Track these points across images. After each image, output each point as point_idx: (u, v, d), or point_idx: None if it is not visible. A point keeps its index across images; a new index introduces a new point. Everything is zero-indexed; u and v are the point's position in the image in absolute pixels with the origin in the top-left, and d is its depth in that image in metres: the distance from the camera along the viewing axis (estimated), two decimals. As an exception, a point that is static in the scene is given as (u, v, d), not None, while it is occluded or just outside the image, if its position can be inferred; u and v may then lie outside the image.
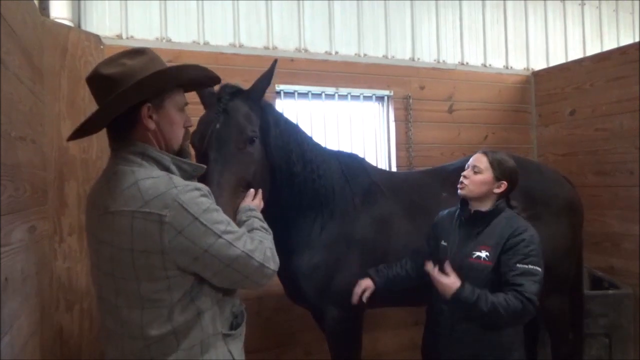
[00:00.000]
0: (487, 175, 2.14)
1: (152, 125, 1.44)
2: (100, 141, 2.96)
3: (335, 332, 2.57)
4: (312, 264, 2.49)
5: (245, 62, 3.47)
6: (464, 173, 2.21)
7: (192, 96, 1.93)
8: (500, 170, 2.14)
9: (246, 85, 3.23)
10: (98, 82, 1.39)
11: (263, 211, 1.95)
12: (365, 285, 2.37)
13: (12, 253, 1.71)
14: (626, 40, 4.96)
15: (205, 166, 1.65)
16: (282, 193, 2.36)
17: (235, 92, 2.22)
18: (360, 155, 2.96)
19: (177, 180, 1.40)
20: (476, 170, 2.17)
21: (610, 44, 4.88)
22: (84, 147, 2.82)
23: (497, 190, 2.15)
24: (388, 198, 2.70)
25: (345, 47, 3.95)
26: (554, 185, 2.99)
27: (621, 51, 3.81)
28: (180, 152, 1.56)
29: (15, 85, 1.84)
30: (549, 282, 2.84)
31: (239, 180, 2.00)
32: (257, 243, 1.52)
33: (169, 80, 1.46)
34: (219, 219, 1.43)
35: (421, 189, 2.81)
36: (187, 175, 1.51)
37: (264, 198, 2.05)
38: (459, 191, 2.21)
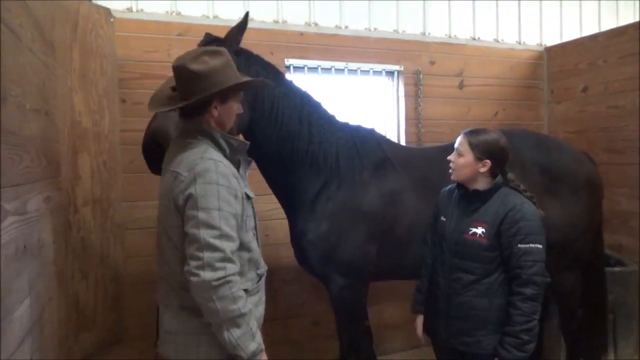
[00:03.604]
0: (468, 157, 2.13)
1: (215, 114, 1.80)
2: (111, 115, 3.00)
3: (339, 300, 2.64)
4: (318, 233, 2.57)
5: (255, 36, 3.46)
6: (449, 157, 2.22)
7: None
8: (479, 150, 2.12)
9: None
10: (185, 74, 1.72)
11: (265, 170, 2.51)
12: (419, 323, 2.42)
13: (29, 222, 1.77)
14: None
15: (247, 142, 1.90)
16: (270, 141, 2.51)
17: (211, 40, 2.42)
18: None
19: (209, 154, 1.70)
20: (459, 153, 2.17)
21: (626, 19, 4.77)
22: (96, 120, 2.87)
23: (482, 170, 2.13)
24: (400, 173, 2.73)
25: (356, 22, 3.91)
26: (573, 162, 2.95)
27: (636, 26, 3.73)
28: (230, 131, 1.90)
29: (28, 58, 1.87)
30: (562, 259, 2.87)
31: None
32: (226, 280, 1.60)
33: (238, 90, 1.84)
34: (214, 205, 1.63)
35: (435, 165, 2.83)
36: (234, 149, 1.83)
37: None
38: (451, 177, 2.23)
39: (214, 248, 1.59)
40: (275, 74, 2.57)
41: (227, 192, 1.65)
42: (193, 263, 1.59)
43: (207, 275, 1.57)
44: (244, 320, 1.65)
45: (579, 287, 3.07)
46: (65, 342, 2.43)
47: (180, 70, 1.73)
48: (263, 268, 1.95)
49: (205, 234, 1.59)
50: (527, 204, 2.10)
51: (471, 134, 2.17)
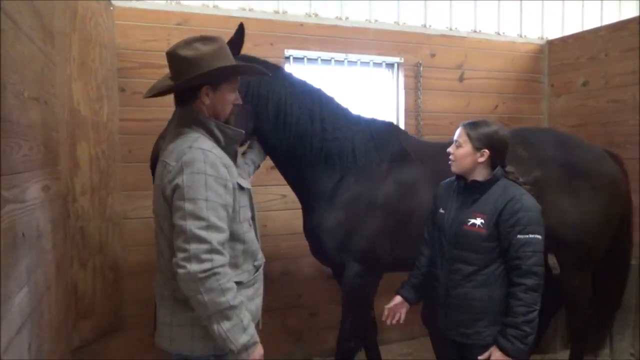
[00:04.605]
0: (467, 147, 2.15)
1: (207, 101, 1.78)
2: (110, 104, 2.99)
3: (351, 286, 2.66)
4: (335, 221, 2.60)
5: (255, 27, 3.45)
6: (449, 149, 2.23)
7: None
8: (477, 140, 2.13)
9: (256, 50, 3.24)
10: (175, 60, 1.74)
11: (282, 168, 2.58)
12: (396, 304, 2.38)
13: (28, 210, 1.77)
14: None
15: (243, 132, 1.88)
16: (281, 143, 2.53)
17: None
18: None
19: (199, 143, 1.68)
20: (457, 145, 2.19)
21: (628, 13, 4.75)
22: (95, 110, 2.86)
23: (480, 160, 2.14)
24: (416, 166, 2.76)
25: (356, 13, 3.89)
26: (594, 161, 2.94)
27: (638, 21, 3.71)
28: (226, 121, 1.86)
29: (27, 45, 1.87)
30: (574, 256, 2.90)
31: None
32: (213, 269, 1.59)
33: (227, 74, 1.79)
34: (201, 196, 1.61)
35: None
36: (229, 139, 1.81)
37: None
38: (451, 169, 2.24)
39: (201, 239, 1.57)
40: (282, 78, 2.56)
41: (215, 182, 1.63)
42: (180, 255, 1.58)
43: (193, 267, 1.56)
44: (234, 312, 1.63)
45: (589, 286, 3.06)
46: (64, 329, 2.45)
47: (172, 56, 1.75)
48: (261, 260, 1.94)
49: (191, 225, 1.57)
50: (526, 195, 2.12)
51: (470, 125, 2.18)
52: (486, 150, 2.13)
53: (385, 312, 2.38)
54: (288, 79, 2.58)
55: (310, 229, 2.73)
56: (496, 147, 2.15)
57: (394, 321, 2.37)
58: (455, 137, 2.22)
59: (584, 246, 2.88)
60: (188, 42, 1.74)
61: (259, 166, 2.57)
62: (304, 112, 2.54)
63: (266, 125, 2.49)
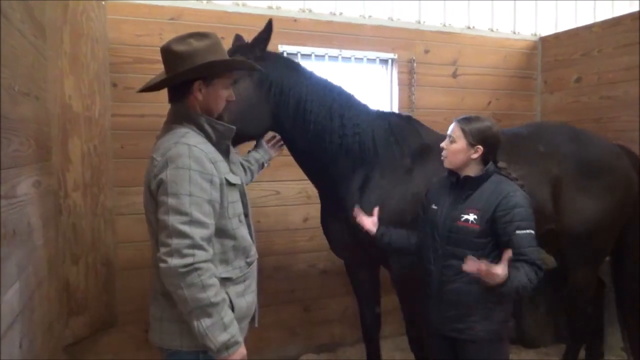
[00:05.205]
0: (461, 143, 2.16)
1: (200, 97, 1.78)
2: (102, 100, 2.97)
3: (402, 278, 2.70)
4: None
5: (248, 22, 3.43)
6: (442, 144, 2.25)
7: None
8: (472, 136, 2.15)
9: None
10: (168, 55, 1.75)
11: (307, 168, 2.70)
12: (368, 218, 2.42)
13: (18, 206, 1.76)
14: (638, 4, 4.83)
15: (234, 127, 1.86)
16: (300, 140, 2.59)
17: (237, 47, 2.50)
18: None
19: (187, 139, 1.67)
20: (451, 140, 2.20)
21: (621, 9, 4.76)
22: (87, 105, 2.84)
23: (474, 156, 2.16)
24: (438, 159, 2.76)
25: (350, 8, 3.88)
26: (610, 157, 2.97)
27: (632, 17, 3.73)
28: (219, 118, 1.87)
29: (18, 39, 1.85)
30: (583, 252, 2.94)
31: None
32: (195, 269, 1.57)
33: (218, 69, 1.79)
34: (183, 190, 1.60)
35: None
36: (220, 134, 1.80)
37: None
38: (444, 164, 2.25)
39: (183, 234, 1.57)
40: (302, 76, 2.60)
41: (200, 177, 1.62)
42: (162, 249, 1.59)
43: (174, 261, 1.56)
44: (215, 309, 1.61)
45: (594, 283, 3.11)
46: (56, 325, 2.44)
47: (166, 52, 1.76)
48: (253, 256, 1.92)
49: (174, 220, 1.57)
50: (519, 191, 2.13)
51: (464, 120, 2.20)
52: (480, 147, 2.14)
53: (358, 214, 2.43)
54: (309, 76, 2.63)
55: (336, 224, 2.74)
56: (489, 144, 2.16)
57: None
58: (449, 132, 2.23)
59: (589, 243, 2.92)
60: (182, 38, 1.76)
61: (264, 165, 2.58)
62: (322, 110, 2.57)
63: (287, 122, 2.54)
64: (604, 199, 2.88)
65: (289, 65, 2.63)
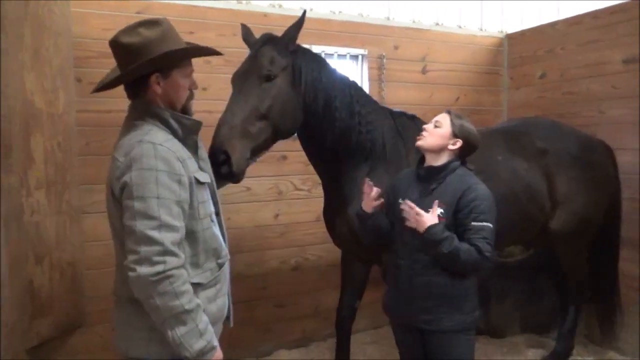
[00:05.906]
0: (445, 130, 2.23)
1: (158, 90, 1.67)
2: (66, 95, 2.90)
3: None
4: None
5: (218, 16, 3.39)
6: (425, 126, 2.30)
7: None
8: (459, 128, 2.22)
9: (219, 40, 3.23)
10: (118, 49, 1.63)
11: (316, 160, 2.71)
12: (373, 198, 2.33)
13: (-24, 204, 1.70)
14: (600, 3, 4.96)
15: (201, 121, 1.78)
16: (324, 137, 2.62)
17: (267, 39, 2.51)
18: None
19: (151, 136, 1.59)
20: (437, 125, 2.26)
21: (584, 7, 4.88)
22: (50, 100, 2.76)
23: (452, 147, 2.22)
24: None
25: (320, 4, 3.88)
26: (599, 154, 3.33)
27: (593, 15, 3.85)
28: (184, 110, 1.77)
29: (-27, 32, 1.78)
30: (578, 243, 3.33)
31: (251, 111, 2.34)
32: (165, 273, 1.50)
33: (175, 59, 1.67)
34: (150, 194, 1.52)
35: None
36: (187, 129, 1.71)
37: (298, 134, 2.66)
38: (416, 142, 2.28)
39: (152, 241, 1.48)
40: (329, 72, 2.65)
41: (168, 178, 1.53)
42: (130, 257, 1.49)
43: (144, 270, 1.47)
44: (189, 317, 1.54)
45: (586, 269, 3.43)
46: (19, 327, 2.37)
47: (114, 45, 1.63)
48: (225, 257, 1.84)
49: (141, 226, 1.48)
50: (481, 185, 2.19)
51: (454, 114, 2.28)
52: (460, 140, 2.21)
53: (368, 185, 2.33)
54: (333, 71, 2.68)
55: (340, 218, 2.78)
56: (469, 143, 2.25)
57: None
58: (436, 119, 2.28)
59: (588, 232, 3.29)
60: (131, 28, 1.62)
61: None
62: (346, 110, 2.63)
63: (313, 118, 2.58)
64: (595, 192, 3.20)
65: (317, 59, 2.67)
